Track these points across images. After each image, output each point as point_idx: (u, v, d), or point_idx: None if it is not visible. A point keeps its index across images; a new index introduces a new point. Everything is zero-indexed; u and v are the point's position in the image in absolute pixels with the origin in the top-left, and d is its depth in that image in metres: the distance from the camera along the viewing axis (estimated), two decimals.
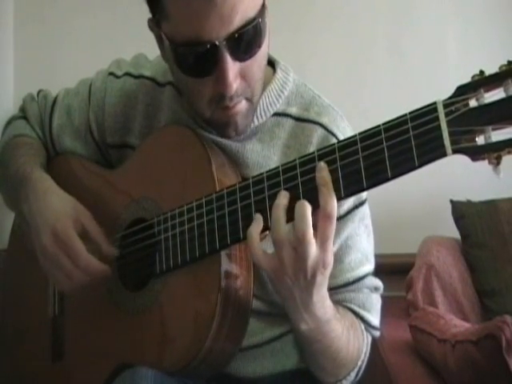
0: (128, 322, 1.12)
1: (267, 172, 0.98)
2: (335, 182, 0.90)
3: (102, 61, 1.34)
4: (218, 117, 1.08)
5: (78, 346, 1.21)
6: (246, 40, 0.99)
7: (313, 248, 0.91)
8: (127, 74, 1.27)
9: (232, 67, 1.00)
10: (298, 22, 2.31)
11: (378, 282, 1.20)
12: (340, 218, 1.12)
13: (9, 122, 1.42)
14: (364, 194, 1.15)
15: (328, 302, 1.03)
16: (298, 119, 1.16)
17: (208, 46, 0.98)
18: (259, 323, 1.15)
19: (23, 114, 1.40)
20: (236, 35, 0.98)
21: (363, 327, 1.17)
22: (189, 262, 1.05)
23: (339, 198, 0.91)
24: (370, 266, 1.18)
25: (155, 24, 1.06)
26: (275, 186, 0.96)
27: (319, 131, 1.14)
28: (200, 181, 1.08)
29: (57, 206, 1.16)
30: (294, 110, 1.17)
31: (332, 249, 0.94)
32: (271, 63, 1.21)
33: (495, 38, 2.31)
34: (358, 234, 1.16)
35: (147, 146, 1.21)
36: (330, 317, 1.03)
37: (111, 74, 1.29)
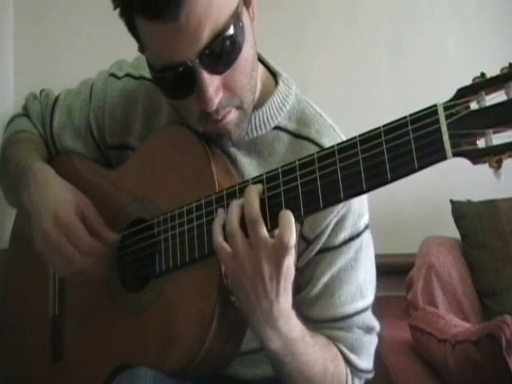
0: (128, 323, 1.12)
1: (267, 173, 0.98)
2: (335, 183, 0.90)
3: (103, 62, 1.34)
4: (210, 130, 1.08)
5: (77, 346, 1.21)
6: (220, 52, 0.98)
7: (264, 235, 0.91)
8: (128, 75, 1.27)
9: (210, 83, 0.99)
10: (299, 27, 2.31)
11: (373, 322, 1.16)
12: (334, 248, 1.11)
13: (11, 120, 1.43)
14: (363, 224, 1.13)
15: (293, 322, 1.00)
16: (297, 136, 1.15)
17: (181, 68, 0.98)
18: None
19: (25, 112, 1.41)
20: (207, 51, 0.96)
21: (349, 371, 1.13)
22: (188, 263, 1.05)
23: (338, 201, 0.91)
24: (363, 303, 1.14)
25: (142, 51, 1.07)
26: (275, 187, 0.96)
27: None
28: (200, 181, 1.08)
29: (58, 193, 1.17)
30: (293, 126, 1.15)
31: (288, 258, 0.92)
32: (273, 74, 1.20)
33: (497, 41, 2.30)
34: (353, 267, 1.13)
35: (147, 146, 1.21)
36: (296, 336, 1.01)
37: (112, 74, 1.29)
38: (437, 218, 2.21)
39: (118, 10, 1.03)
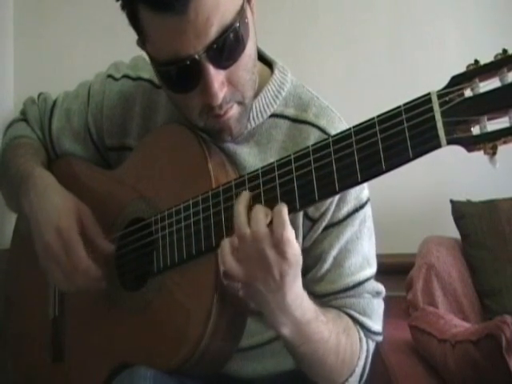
0: (127, 322, 1.13)
1: (262, 168, 0.98)
2: (330, 175, 0.89)
3: (101, 63, 1.35)
4: (211, 125, 1.08)
5: (77, 347, 1.21)
6: (227, 48, 0.98)
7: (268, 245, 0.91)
8: (125, 76, 1.27)
9: (216, 77, 0.99)
10: (299, 22, 2.32)
11: (380, 286, 1.18)
12: (339, 222, 1.12)
13: (10, 125, 1.43)
14: (364, 196, 1.14)
15: (306, 304, 1.01)
16: (295, 120, 1.15)
17: (188, 61, 0.98)
18: (259, 323, 1.14)
19: (24, 117, 1.41)
20: (215, 46, 0.97)
21: (362, 334, 1.14)
22: (186, 260, 1.05)
23: (333, 193, 0.90)
24: (370, 270, 1.16)
25: (141, 44, 1.07)
26: (270, 181, 0.95)
27: (316, 134, 1.13)
28: (197, 179, 1.08)
29: (58, 202, 1.17)
30: (291, 112, 1.16)
31: (292, 248, 0.92)
32: (268, 64, 1.20)
33: (496, 33, 2.29)
34: (358, 238, 1.14)
35: (145, 145, 1.21)
36: (309, 318, 1.01)
37: (110, 76, 1.29)
38: (437, 218, 2.21)
39: (119, 3, 1.02)
